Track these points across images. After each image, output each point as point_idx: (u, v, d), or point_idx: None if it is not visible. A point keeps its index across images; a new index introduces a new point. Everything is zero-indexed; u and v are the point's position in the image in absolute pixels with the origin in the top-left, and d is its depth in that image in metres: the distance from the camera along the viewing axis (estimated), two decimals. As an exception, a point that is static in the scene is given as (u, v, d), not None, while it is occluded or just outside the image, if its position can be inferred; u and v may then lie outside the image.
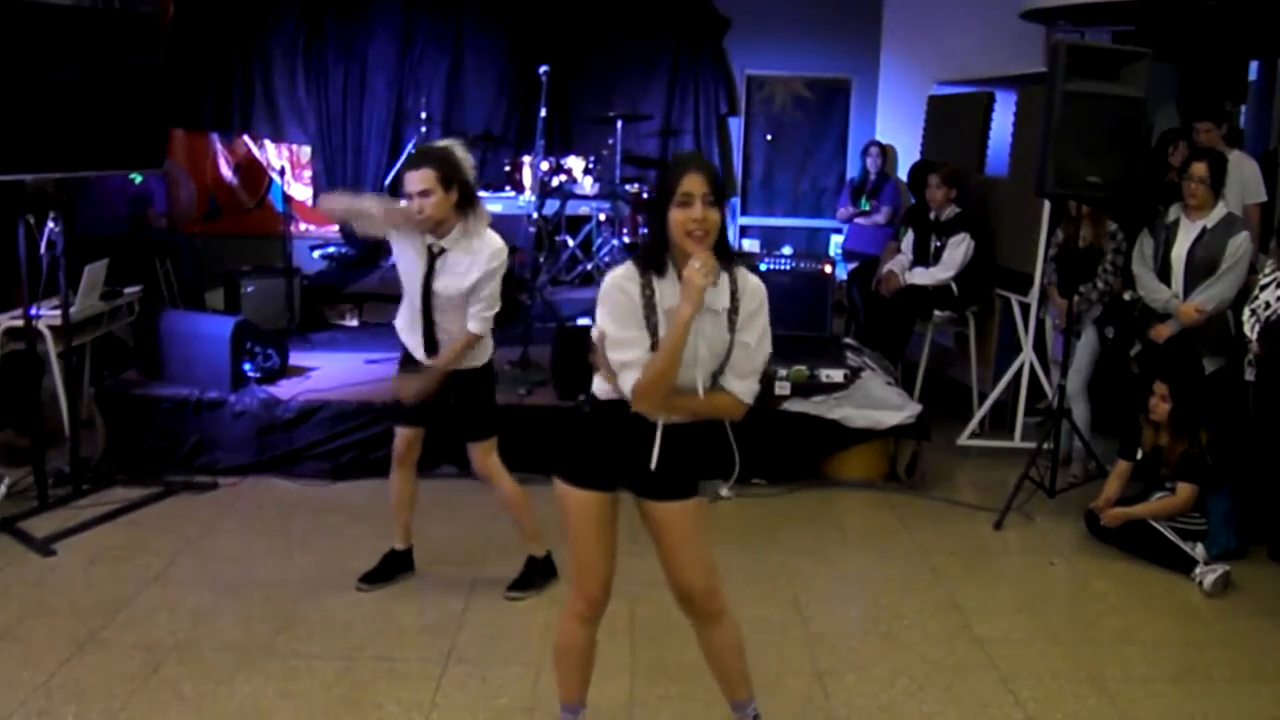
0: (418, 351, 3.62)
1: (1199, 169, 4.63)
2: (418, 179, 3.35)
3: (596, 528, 2.59)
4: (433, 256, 3.47)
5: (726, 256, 2.44)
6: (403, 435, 3.76)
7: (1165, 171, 5.56)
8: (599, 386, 2.56)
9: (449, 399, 3.65)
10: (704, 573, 2.62)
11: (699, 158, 2.47)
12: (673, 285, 2.42)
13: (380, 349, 5.92)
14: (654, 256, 2.43)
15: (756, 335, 2.49)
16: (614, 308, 2.43)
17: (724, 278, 2.44)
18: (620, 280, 2.45)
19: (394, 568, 3.91)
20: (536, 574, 3.87)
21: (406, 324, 3.64)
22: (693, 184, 2.33)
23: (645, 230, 2.53)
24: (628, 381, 2.41)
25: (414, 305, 3.55)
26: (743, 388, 2.51)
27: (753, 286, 2.49)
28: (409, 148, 7.38)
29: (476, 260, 3.45)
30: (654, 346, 2.41)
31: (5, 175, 4.08)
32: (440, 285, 3.47)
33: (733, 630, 2.70)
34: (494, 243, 3.50)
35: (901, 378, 5.76)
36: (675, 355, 2.37)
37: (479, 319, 3.52)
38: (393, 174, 7.52)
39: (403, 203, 3.44)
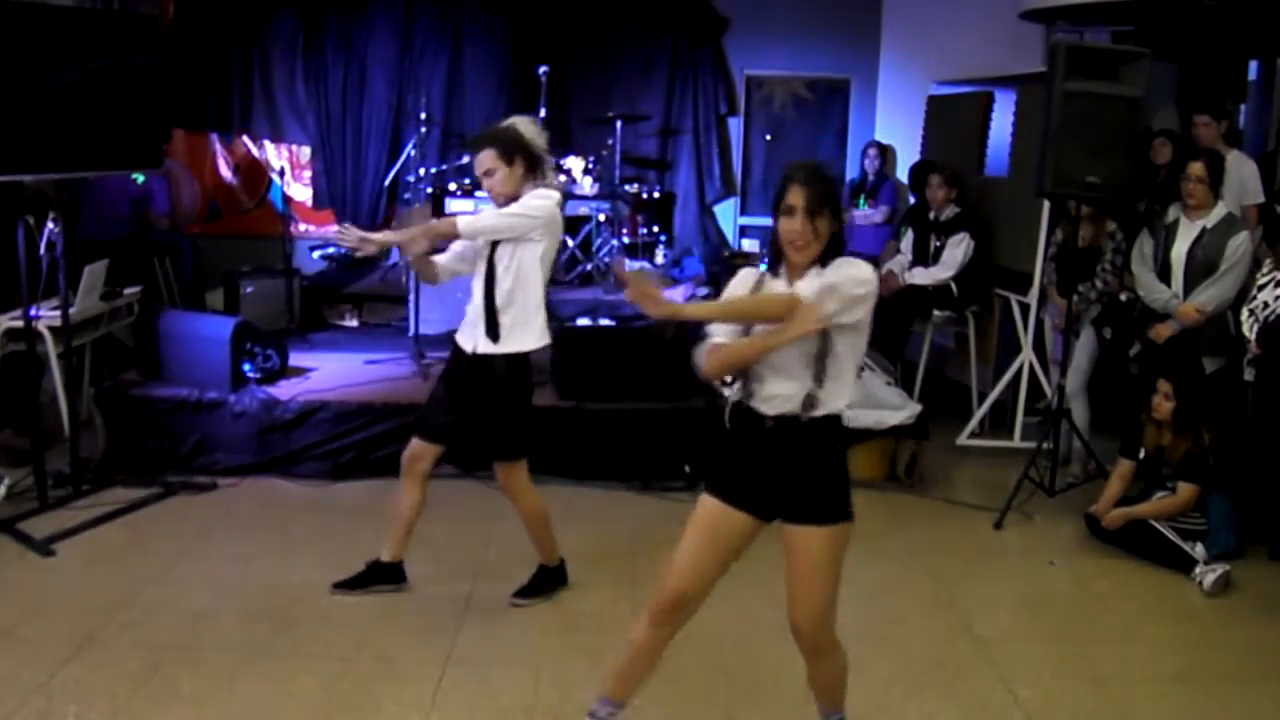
0: (465, 334, 3.54)
1: (1196, 169, 4.63)
2: (480, 161, 3.42)
3: (700, 534, 2.59)
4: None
5: (834, 257, 2.48)
6: (417, 446, 3.63)
7: (1156, 171, 5.56)
8: (729, 390, 2.63)
9: (475, 405, 3.55)
10: (816, 613, 2.57)
11: (805, 168, 2.49)
12: (783, 285, 2.52)
13: (380, 349, 5.93)
14: (773, 258, 2.56)
15: (837, 282, 2.43)
16: (730, 287, 2.62)
17: (818, 275, 2.47)
18: (746, 273, 2.64)
19: (373, 578, 3.80)
20: (546, 582, 3.83)
21: (470, 317, 3.57)
22: (795, 196, 2.43)
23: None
24: (708, 344, 2.52)
25: (478, 286, 3.50)
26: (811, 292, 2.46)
27: (846, 270, 2.44)
28: (408, 148, 7.38)
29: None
30: (746, 332, 2.51)
31: (5, 176, 4.07)
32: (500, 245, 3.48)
33: (838, 664, 2.72)
34: (538, 193, 3.48)
35: (901, 377, 5.76)
36: (752, 354, 2.48)
37: (471, 214, 3.57)
38: (392, 174, 7.52)
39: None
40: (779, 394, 2.49)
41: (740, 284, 2.61)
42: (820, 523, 2.53)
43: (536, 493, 3.71)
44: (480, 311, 3.48)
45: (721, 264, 7.30)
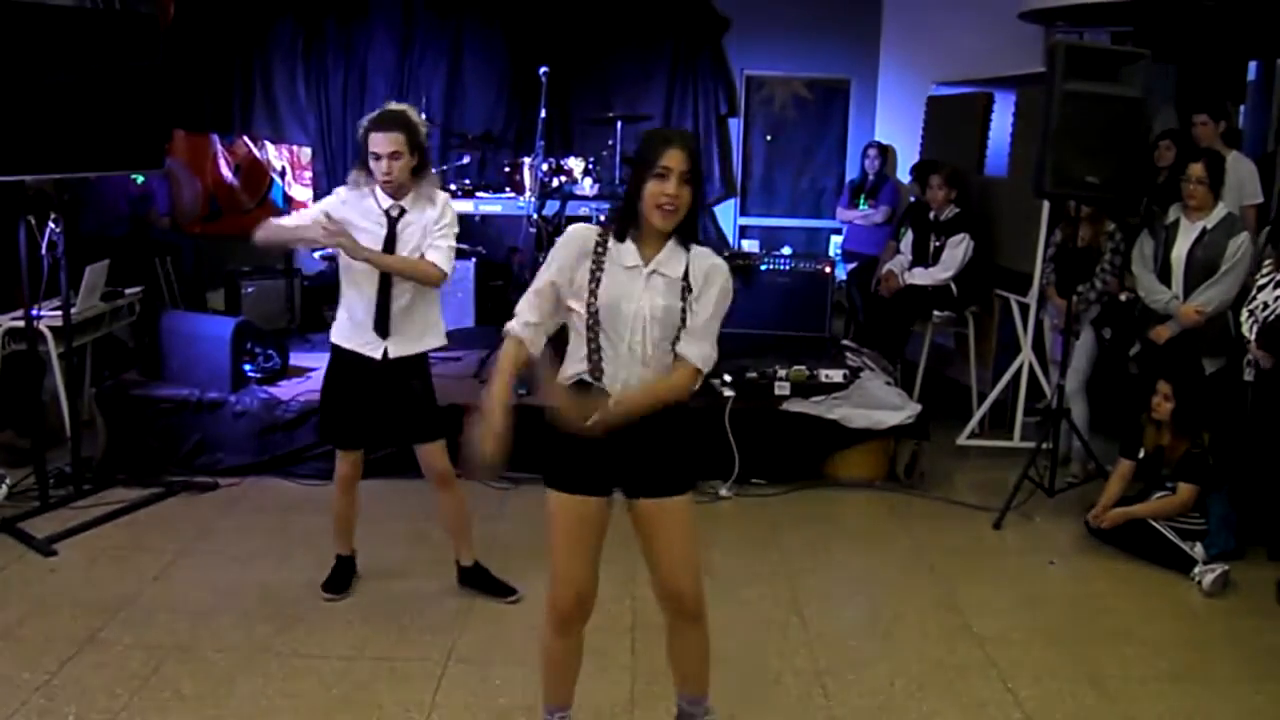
0: (367, 342, 3.50)
1: (1196, 169, 4.63)
2: (389, 141, 3.35)
3: (575, 534, 2.56)
4: (393, 221, 3.45)
5: (690, 237, 2.50)
6: (350, 459, 3.66)
7: (1158, 172, 5.56)
8: (567, 368, 2.54)
9: (393, 403, 3.58)
10: (696, 573, 2.62)
11: (684, 135, 2.49)
12: (631, 252, 2.47)
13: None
14: (623, 221, 2.47)
15: (709, 307, 2.52)
16: (563, 253, 2.49)
17: (680, 254, 2.49)
18: (581, 230, 2.52)
19: (350, 574, 3.87)
20: (482, 582, 3.83)
21: (352, 319, 3.53)
22: (673, 159, 2.37)
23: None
24: (513, 325, 2.51)
25: (367, 286, 3.47)
26: (697, 352, 2.51)
27: (708, 266, 2.52)
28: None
29: (433, 214, 3.48)
30: (590, 302, 2.45)
31: (6, 176, 4.08)
32: (400, 247, 3.45)
33: (706, 631, 2.70)
34: (446, 199, 3.56)
35: (901, 378, 5.77)
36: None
37: (442, 250, 3.45)
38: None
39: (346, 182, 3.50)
40: (628, 378, 2.49)
41: (576, 246, 2.49)
42: (683, 492, 2.58)
43: None
44: (373, 314, 3.49)
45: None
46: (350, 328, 3.54)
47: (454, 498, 3.71)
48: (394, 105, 3.49)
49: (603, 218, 7.18)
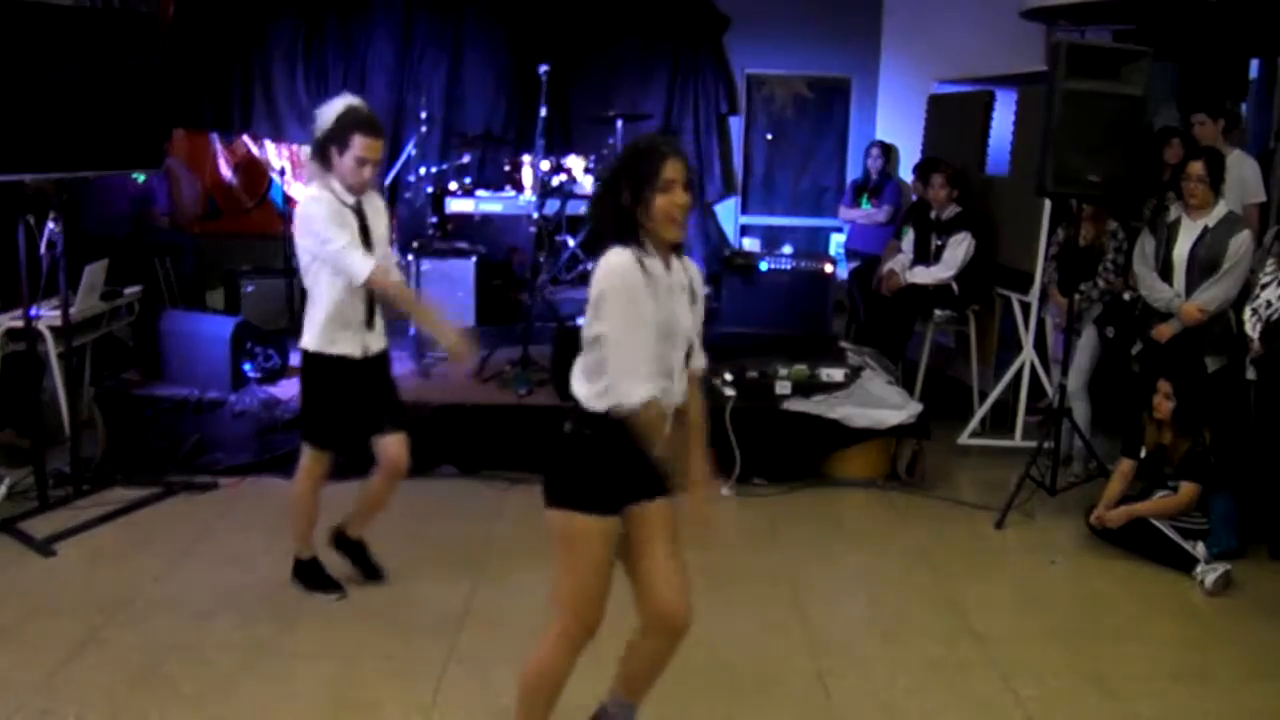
0: (349, 341, 3.51)
1: (1196, 168, 4.62)
2: (375, 148, 3.37)
3: (606, 555, 2.49)
4: (361, 214, 3.48)
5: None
6: (327, 459, 3.68)
7: (1162, 170, 5.55)
8: (592, 400, 2.42)
9: (372, 396, 3.61)
10: (688, 586, 2.56)
11: (671, 140, 2.53)
12: (659, 267, 2.41)
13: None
14: (628, 238, 2.38)
15: (702, 313, 2.58)
16: (622, 303, 2.34)
17: (681, 263, 2.51)
18: (622, 265, 2.35)
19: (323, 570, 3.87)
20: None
21: (340, 320, 3.50)
22: (675, 169, 2.37)
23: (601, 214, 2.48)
24: (637, 392, 2.34)
25: (347, 292, 3.47)
26: (702, 362, 2.62)
27: (695, 272, 2.57)
28: (408, 147, 7.37)
29: (378, 208, 3.57)
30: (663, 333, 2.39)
31: (5, 175, 4.07)
32: (374, 239, 3.50)
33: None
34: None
35: (902, 377, 5.76)
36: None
37: (388, 260, 3.57)
38: (392, 173, 7.51)
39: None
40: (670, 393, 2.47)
41: (632, 280, 2.34)
42: (669, 494, 2.55)
43: None
44: (362, 314, 3.51)
45: (722, 263, 7.29)
46: (334, 329, 3.49)
47: (389, 491, 3.70)
48: (354, 101, 3.47)
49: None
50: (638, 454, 2.42)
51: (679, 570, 2.55)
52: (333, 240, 3.34)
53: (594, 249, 2.49)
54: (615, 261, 2.36)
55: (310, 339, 3.53)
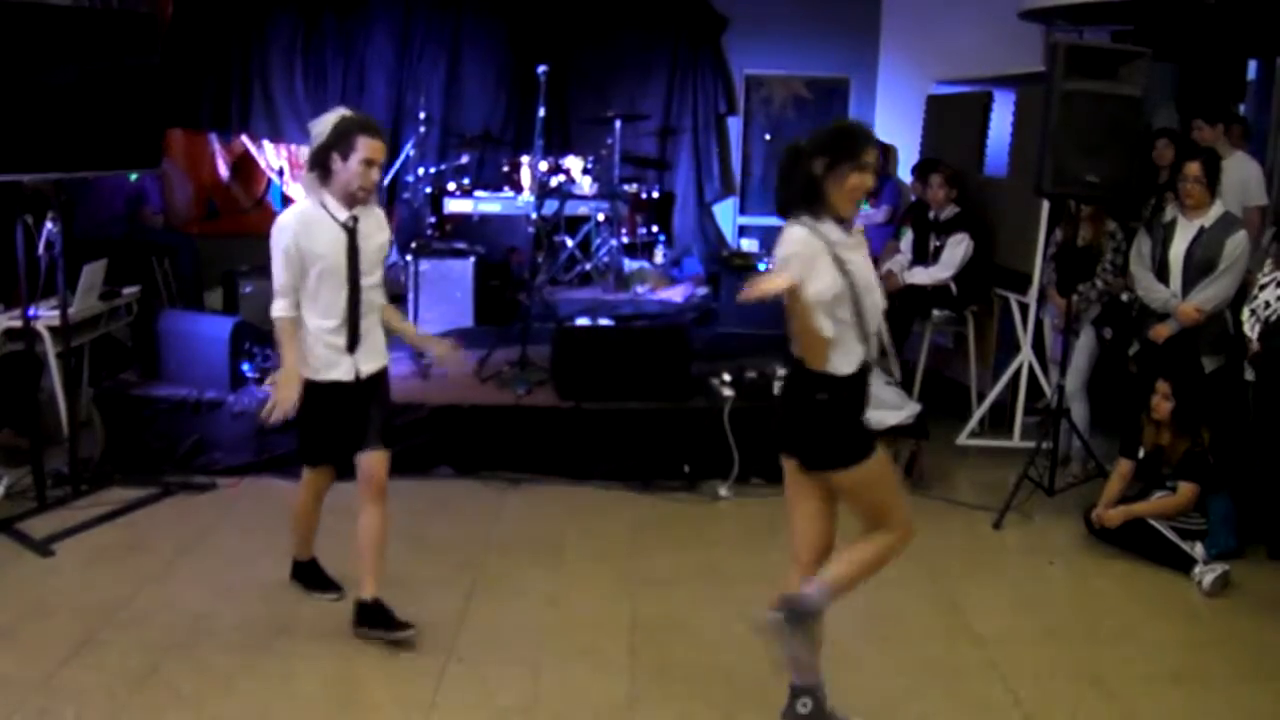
0: (338, 365, 3.39)
1: (1193, 169, 4.62)
2: (380, 149, 3.28)
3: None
4: (352, 232, 3.33)
5: None
6: (330, 473, 3.61)
7: (1157, 171, 5.56)
8: (836, 364, 2.72)
9: (368, 405, 3.48)
10: None
11: (868, 128, 2.85)
12: (840, 232, 2.72)
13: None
14: (815, 207, 2.71)
15: None
16: (805, 255, 2.64)
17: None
18: (801, 235, 2.67)
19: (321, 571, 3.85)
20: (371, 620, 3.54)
21: (322, 344, 3.38)
22: (872, 155, 2.72)
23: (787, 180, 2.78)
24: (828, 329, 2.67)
25: (338, 299, 3.35)
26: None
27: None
28: (407, 147, 7.37)
29: (379, 221, 3.44)
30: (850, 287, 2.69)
31: (3, 176, 4.07)
32: (362, 253, 3.35)
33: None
34: (382, 213, 3.52)
35: (900, 377, 5.76)
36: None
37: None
38: (391, 173, 7.52)
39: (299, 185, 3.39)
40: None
41: (812, 250, 2.65)
42: None
43: None
44: (343, 340, 3.38)
45: (720, 264, 7.30)
46: (321, 355, 3.38)
47: (381, 515, 3.49)
48: (347, 111, 3.35)
49: (601, 216, 7.18)
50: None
51: None
52: (274, 275, 3.33)
53: (781, 210, 2.79)
54: (794, 237, 2.68)
55: (302, 365, 3.41)
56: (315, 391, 3.41)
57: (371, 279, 3.42)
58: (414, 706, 3.10)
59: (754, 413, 5.05)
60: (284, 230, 3.29)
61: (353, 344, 3.40)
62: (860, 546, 2.84)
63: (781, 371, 5.16)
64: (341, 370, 3.41)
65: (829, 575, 2.81)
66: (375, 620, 3.45)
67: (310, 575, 3.83)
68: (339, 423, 3.48)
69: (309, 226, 3.30)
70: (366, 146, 3.25)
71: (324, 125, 3.29)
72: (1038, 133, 4.61)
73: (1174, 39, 6.39)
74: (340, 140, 3.25)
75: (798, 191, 2.71)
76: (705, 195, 8.38)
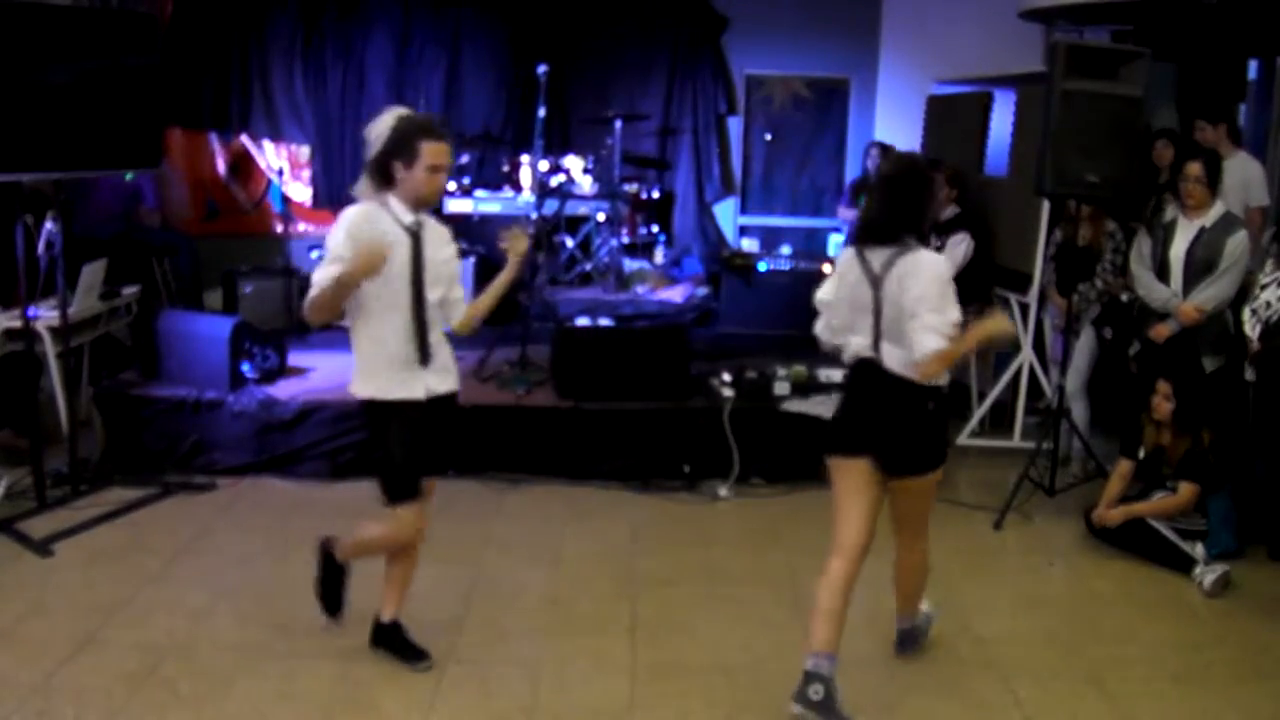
0: (405, 383, 3.13)
1: (1194, 169, 4.62)
2: (445, 153, 3.04)
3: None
4: (416, 236, 3.09)
5: None
6: (413, 512, 3.21)
7: (1158, 172, 5.55)
8: (942, 378, 2.99)
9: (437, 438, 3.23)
10: None
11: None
12: None
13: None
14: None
15: None
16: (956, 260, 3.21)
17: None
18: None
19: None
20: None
21: (385, 356, 3.12)
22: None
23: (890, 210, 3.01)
24: (932, 343, 2.87)
25: (398, 314, 3.10)
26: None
27: None
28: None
29: (445, 235, 3.21)
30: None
31: (3, 176, 4.07)
32: (428, 261, 3.11)
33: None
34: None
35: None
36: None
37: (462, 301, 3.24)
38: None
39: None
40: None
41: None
42: None
43: None
44: (413, 351, 3.12)
45: (720, 264, 7.29)
46: (385, 373, 3.12)
47: (410, 563, 3.36)
48: (402, 110, 3.10)
49: (601, 216, 7.18)
50: None
51: None
52: (327, 251, 3.01)
53: (884, 238, 2.99)
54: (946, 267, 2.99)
55: (360, 387, 3.17)
56: (385, 412, 3.14)
57: (435, 294, 3.14)
58: (414, 706, 3.10)
59: (754, 413, 5.05)
60: (350, 216, 3.04)
61: (424, 358, 3.13)
62: (918, 570, 3.36)
63: (782, 372, 5.17)
64: (404, 385, 3.13)
65: (916, 595, 3.41)
66: (392, 645, 3.36)
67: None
68: (416, 440, 3.17)
69: (374, 224, 3.04)
70: (431, 152, 3.01)
71: (381, 127, 3.05)
72: (1038, 133, 4.61)
73: (1174, 39, 6.39)
74: (402, 146, 3.01)
75: (921, 212, 3.04)
76: (705, 195, 8.37)
